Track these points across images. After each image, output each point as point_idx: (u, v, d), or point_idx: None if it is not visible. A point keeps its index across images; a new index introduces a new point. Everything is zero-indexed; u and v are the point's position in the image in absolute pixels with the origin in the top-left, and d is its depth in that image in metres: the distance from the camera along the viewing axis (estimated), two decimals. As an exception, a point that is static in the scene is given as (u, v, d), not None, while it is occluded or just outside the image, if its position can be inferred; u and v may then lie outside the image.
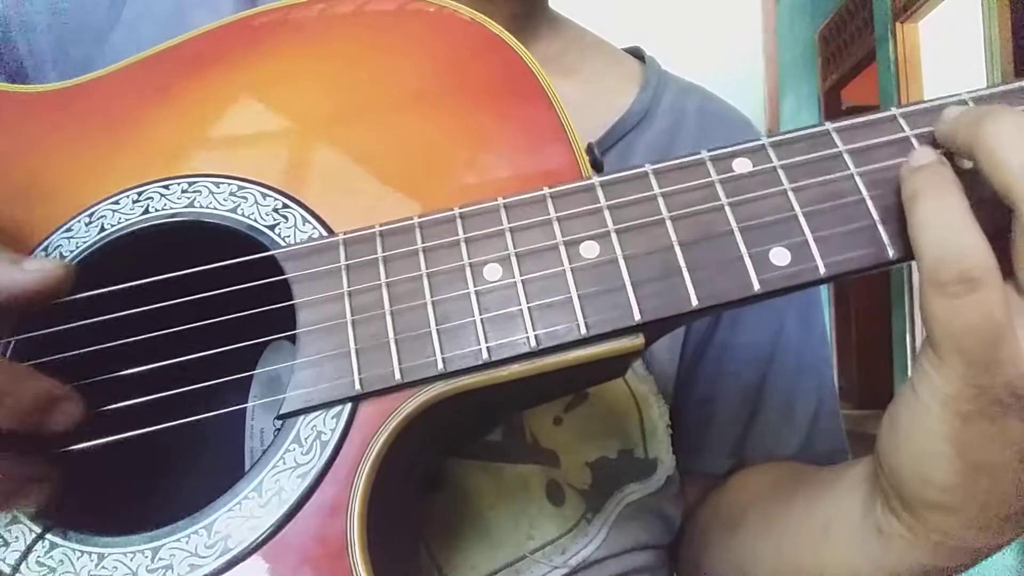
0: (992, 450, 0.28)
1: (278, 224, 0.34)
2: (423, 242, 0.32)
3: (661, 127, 0.53)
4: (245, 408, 0.38)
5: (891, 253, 0.30)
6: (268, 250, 0.34)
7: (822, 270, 0.30)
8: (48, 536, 0.31)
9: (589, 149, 0.36)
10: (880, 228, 0.30)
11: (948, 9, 2.00)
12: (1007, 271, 0.28)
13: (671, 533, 0.50)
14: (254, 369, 0.38)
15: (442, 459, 0.41)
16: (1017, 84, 0.32)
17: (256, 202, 0.35)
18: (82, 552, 0.30)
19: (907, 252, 0.30)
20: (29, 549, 0.30)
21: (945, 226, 0.28)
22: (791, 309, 0.54)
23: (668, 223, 0.31)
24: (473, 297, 0.31)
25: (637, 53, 0.59)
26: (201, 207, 0.35)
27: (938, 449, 0.29)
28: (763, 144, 0.32)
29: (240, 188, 0.35)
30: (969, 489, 0.29)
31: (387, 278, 0.32)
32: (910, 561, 0.32)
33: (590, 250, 0.31)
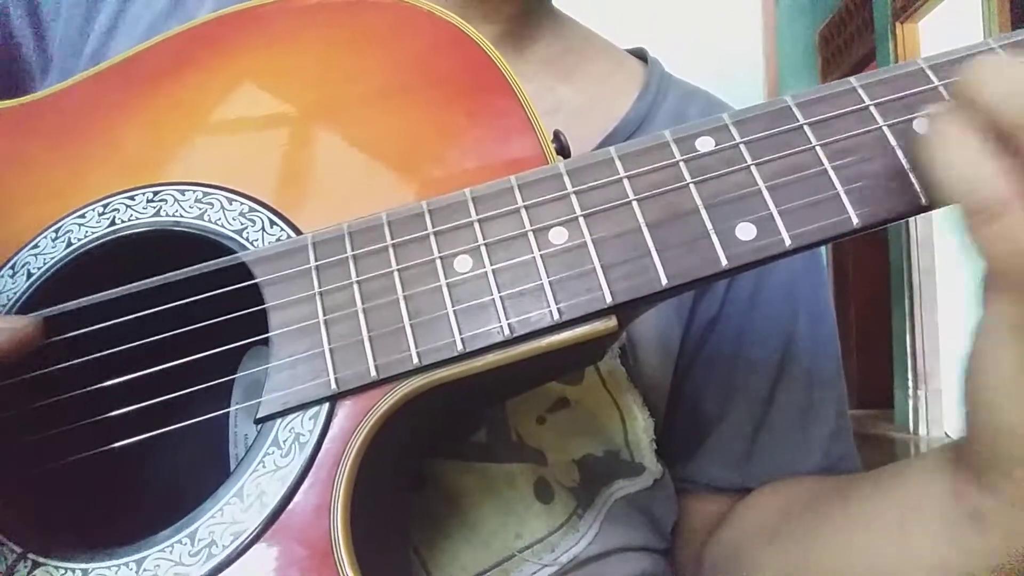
0: None
1: (245, 228, 0.34)
2: (392, 238, 0.32)
3: None
4: (227, 415, 0.38)
5: (855, 222, 0.30)
6: (237, 256, 0.33)
7: (788, 242, 0.30)
8: (30, 556, 0.30)
9: (555, 136, 0.36)
10: (844, 198, 0.30)
11: (948, 9, 2.00)
12: None
13: (664, 538, 0.49)
14: (234, 374, 0.38)
15: (427, 458, 0.41)
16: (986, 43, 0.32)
17: (222, 207, 0.35)
18: (66, 569, 0.30)
19: (871, 220, 0.30)
20: (11, 570, 0.30)
21: (952, 167, 0.28)
22: (801, 318, 0.52)
23: (635, 205, 0.31)
24: (445, 290, 0.31)
25: (641, 55, 0.57)
26: (167, 216, 0.35)
27: (1017, 384, 0.28)
28: (725, 122, 0.33)
29: (205, 194, 0.35)
30: None
31: (358, 276, 0.32)
32: (1017, 544, 0.29)
33: (559, 236, 0.31)
